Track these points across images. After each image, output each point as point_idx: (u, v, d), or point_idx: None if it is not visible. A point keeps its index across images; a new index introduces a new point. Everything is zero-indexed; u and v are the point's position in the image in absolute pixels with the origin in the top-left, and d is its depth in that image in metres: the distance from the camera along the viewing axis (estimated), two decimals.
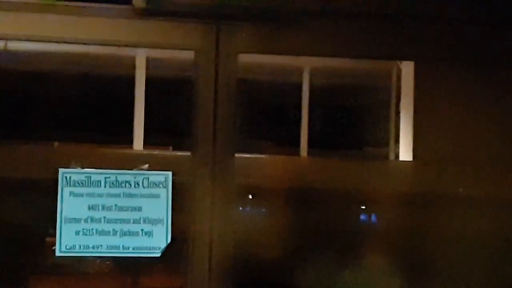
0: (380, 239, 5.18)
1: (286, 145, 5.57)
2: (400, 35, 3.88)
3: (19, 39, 4.06)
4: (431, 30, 3.96)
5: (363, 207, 5.34)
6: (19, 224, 4.47)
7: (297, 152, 5.46)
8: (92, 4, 3.43)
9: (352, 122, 5.87)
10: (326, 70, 5.59)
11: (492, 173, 4.35)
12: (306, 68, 5.18)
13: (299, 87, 5.48)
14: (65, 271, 3.95)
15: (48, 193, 3.58)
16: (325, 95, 5.69)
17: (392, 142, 5.79)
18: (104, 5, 3.39)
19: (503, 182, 4.29)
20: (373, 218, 5.56)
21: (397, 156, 5.47)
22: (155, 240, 3.55)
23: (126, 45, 4.20)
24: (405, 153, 5.24)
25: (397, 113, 5.52)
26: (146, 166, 3.83)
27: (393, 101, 5.73)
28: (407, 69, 5.20)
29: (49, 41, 3.93)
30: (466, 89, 4.48)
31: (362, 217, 5.52)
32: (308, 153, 5.56)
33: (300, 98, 5.54)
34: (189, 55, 3.63)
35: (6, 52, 4.68)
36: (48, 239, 3.69)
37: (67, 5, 3.46)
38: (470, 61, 4.14)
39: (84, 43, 3.97)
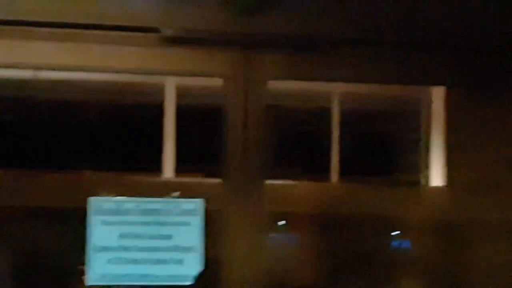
0: (412, 265, 5.16)
1: (316, 171, 5.59)
2: (430, 60, 3.90)
3: (49, 68, 4.02)
4: (462, 55, 3.96)
5: (394, 233, 5.30)
6: (50, 253, 4.46)
7: (327, 178, 5.30)
8: (121, 33, 3.42)
9: (383, 148, 5.77)
10: (356, 96, 5.60)
11: None
12: (336, 93, 5.01)
13: (328, 112, 5.39)
14: None
15: (78, 221, 3.60)
16: (355, 121, 5.52)
17: (423, 167, 5.90)
18: (132, 33, 3.38)
19: None
20: (405, 244, 5.47)
21: (428, 181, 5.51)
22: (187, 268, 3.52)
23: (155, 73, 4.20)
24: (436, 179, 5.17)
25: (428, 138, 5.71)
26: (177, 193, 3.82)
27: (424, 126, 5.92)
28: (438, 94, 5.19)
29: (79, 70, 3.87)
30: (498, 113, 4.40)
31: (394, 243, 5.45)
32: (339, 179, 5.57)
33: (329, 124, 5.54)
34: (218, 82, 3.62)
35: (36, 81, 4.57)
36: (79, 268, 3.59)
37: (96, 34, 3.45)
38: (501, 86, 4.09)
39: (114, 72, 3.96)
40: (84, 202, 3.57)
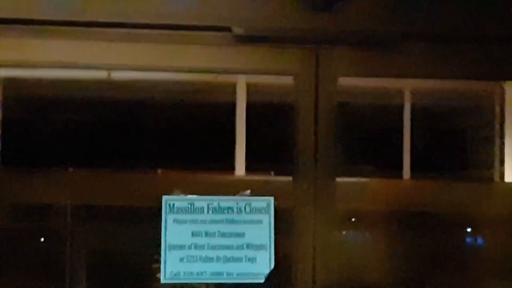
0: (486, 262, 5.19)
1: (388, 168, 5.57)
2: (503, 55, 3.76)
3: (122, 69, 4.21)
4: None
5: (469, 229, 5.51)
6: (125, 251, 4.87)
7: (399, 175, 5.46)
8: (192, 32, 3.46)
9: (455, 144, 5.82)
10: (428, 92, 5.52)
11: None
12: (407, 90, 5.19)
13: (400, 109, 5.49)
14: None
15: (153, 220, 3.62)
16: (427, 117, 5.67)
17: (497, 163, 5.78)
18: (204, 33, 3.42)
19: None
20: (479, 240, 5.59)
21: (502, 177, 5.44)
22: (259, 266, 3.49)
23: (227, 72, 4.25)
24: (511, 174, 5.40)
25: (502, 134, 5.56)
26: (248, 192, 3.84)
27: (497, 121, 5.73)
28: (511, 89, 5.40)
29: (152, 70, 3.97)
30: None
31: (468, 239, 5.66)
32: (411, 176, 5.50)
33: (401, 120, 5.51)
34: (288, 80, 3.61)
35: (109, 82, 4.80)
36: (153, 266, 3.70)
37: (167, 34, 3.49)
38: None
39: (185, 71, 4.06)
40: (158, 201, 3.57)
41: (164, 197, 3.53)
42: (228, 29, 3.41)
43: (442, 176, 5.22)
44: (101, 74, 4.61)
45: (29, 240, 5.15)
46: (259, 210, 3.55)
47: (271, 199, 3.57)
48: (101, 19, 3.42)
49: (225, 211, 3.56)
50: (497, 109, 5.29)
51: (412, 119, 5.30)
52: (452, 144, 5.40)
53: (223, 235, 3.51)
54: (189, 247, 3.49)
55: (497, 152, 5.26)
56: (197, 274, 3.49)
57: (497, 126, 5.36)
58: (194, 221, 3.53)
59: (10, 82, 5.11)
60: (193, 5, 3.47)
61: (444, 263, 5.05)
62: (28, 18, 3.39)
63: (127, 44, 3.45)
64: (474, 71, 3.87)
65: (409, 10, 3.53)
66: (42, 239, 5.18)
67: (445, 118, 5.56)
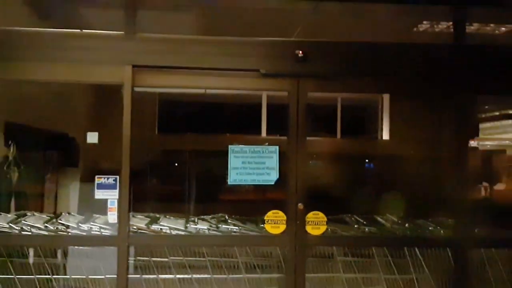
0: (375, 176, 7.77)
1: (330, 133, 7.93)
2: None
3: (212, 89, 5.60)
4: None
5: (367, 160, 7.71)
6: (214, 171, 6.99)
7: (335, 136, 8.03)
8: (243, 72, 4.83)
9: (363, 123, 8.25)
10: (355, 100, 7.96)
11: None
12: (339, 97, 7.87)
13: (334, 107, 8.13)
14: None
15: (225, 156, 4.91)
16: (353, 109, 8.02)
17: (379, 131, 7.75)
18: (248, 72, 4.78)
19: None
20: (371, 165, 7.73)
21: (381, 137, 7.92)
22: (271, 177, 4.94)
23: (259, 90, 6.76)
24: (385, 136, 7.92)
25: (382, 118, 7.90)
26: (267, 143, 5.26)
27: (380, 112, 8.00)
28: (386, 96, 7.85)
29: (225, 89, 5.53)
30: None
31: (366, 165, 7.82)
32: (340, 137, 8.04)
33: (336, 111, 8.10)
34: (285, 93, 4.90)
35: (205, 94, 6.50)
36: (225, 176, 5.04)
37: (235, 74, 4.90)
38: None
39: (241, 89, 5.55)
40: (227, 147, 4.96)
41: (230, 146, 4.98)
42: (258, 70, 4.81)
43: (356, 137, 7.61)
44: (201, 91, 6.37)
45: (169, 165, 7.38)
46: (271, 151, 4.94)
47: (277, 147, 4.99)
48: (194, 65, 4.77)
49: (256, 152, 4.95)
50: (380, 106, 7.63)
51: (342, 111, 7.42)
52: (362, 123, 7.75)
53: (255, 162, 4.91)
54: (240, 168, 4.93)
55: (379, 126, 7.53)
56: (244, 180, 5.00)
57: (380, 114, 7.50)
58: (242, 156, 4.93)
59: (162, 94, 7.45)
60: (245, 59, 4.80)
61: (355, 174, 7.27)
62: (175, 65, 4.78)
63: (216, 78, 4.87)
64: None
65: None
66: (176, 164, 7.29)
67: (358, 109, 7.72)
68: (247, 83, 5.04)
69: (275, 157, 4.99)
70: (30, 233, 4.84)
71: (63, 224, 5.05)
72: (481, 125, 7.64)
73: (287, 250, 4.84)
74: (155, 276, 5.08)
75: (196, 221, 5.37)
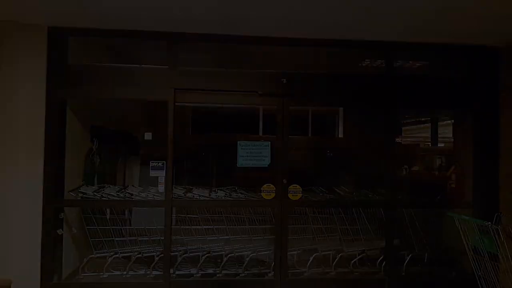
0: (336, 162, 7.10)
1: (303, 133, 7.74)
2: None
3: (226, 104, 5.44)
4: None
5: (328, 151, 7.19)
6: (225, 158, 6.62)
7: (307, 135, 7.81)
8: (246, 93, 4.92)
9: (326, 125, 7.81)
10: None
11: None
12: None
13: (306, 114, 7.81)
14: None
15: (235, 148, 4.89)
16: (319, 117, 7.56)
17: (336, 131, 7.56)
18: (249, 93, 5.04)
19: None
20: (332, 155, 7.18)
21: (338, 135, 7.62)
22: (265, 162, 5.07)
23: (257, 104, 6.11)
24: (340, 134, 7.64)
25: (338, 121, 7.65)
26: (263, 140, 5.09)
27: (337, 118, 7.82)
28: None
29: (233, 104, 5.24)
30: None
31: (327, 155, 7.26)
32: (312, 135, 7.84)
33: (308, 117, 7.76)
34: (274, 106, 4.87)
35: (222, 107, 6.76)
36: (237, 161, 5.01)
37: (240, 94, 4.86)
38: None
39: (244, 104, 5.32)
40: (236, 142, 4.99)
41: (238, 141, 5.02)
42: (256, 91, 4.86)
43: (321, 135, 7.41)
44: (219, 105, 6.46)
45: (198, 154, 7.22)
46: (265, 145, 5.01)
47: (269, 142, 5.03)
48: (214, 88, 4.82)
49: (256, 145, 5.00)
50: (337, 115, 7.30)
51: (312, 118, 7.10)
52: (325, 126, 7.57)
53: (255, 152, 4.98)
54: (245, 156, 5.00)
55: (337, 128, 7.33)
56: (247, 162, 5.01)
57: (337, 120, 7.12)
58: (246, 148, 4.98)
59: (194, 107, 7.42)
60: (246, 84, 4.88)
61: (320, 160, 7.17)
62: (202, 88, 4.84)
63: (228, 96, 4.89)
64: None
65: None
66: (203, 154, 7.09)
67: (322, 117, 7.30)
68: (249, 100, 5.09)
69: (268, 149, 5.08)
70: (107, 199, 5.01)
71: (129, 193, 5.20)
72: (403, 127, 8.05)
73: (276, 210, 4.99)
74: (189, 226, 5.36)
75: (216, 190, 5.49)
